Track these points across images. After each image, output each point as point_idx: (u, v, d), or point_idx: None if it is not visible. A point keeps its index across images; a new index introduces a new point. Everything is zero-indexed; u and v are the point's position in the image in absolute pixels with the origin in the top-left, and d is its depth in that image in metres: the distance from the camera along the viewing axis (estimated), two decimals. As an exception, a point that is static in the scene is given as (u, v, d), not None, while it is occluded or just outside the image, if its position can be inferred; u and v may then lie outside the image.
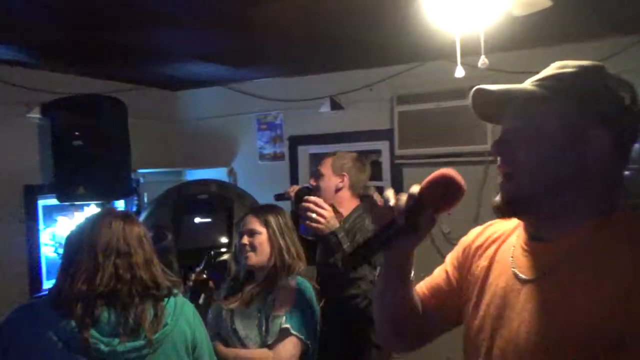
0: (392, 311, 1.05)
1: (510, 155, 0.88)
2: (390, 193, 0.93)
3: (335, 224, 1.83)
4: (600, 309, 0.75)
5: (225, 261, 2.21)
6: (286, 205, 2.47)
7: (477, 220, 3.17)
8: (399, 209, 0.89)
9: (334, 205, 2.04)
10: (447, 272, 1.07)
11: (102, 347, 1.30)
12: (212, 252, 2.13)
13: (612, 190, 0.86)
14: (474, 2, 1.47)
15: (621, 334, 0.73)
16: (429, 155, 3.22)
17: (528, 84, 0.89)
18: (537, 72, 0.91)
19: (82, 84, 3.29)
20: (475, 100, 0.92)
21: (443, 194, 0.90)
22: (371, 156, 3.68)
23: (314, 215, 1.79)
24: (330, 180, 2.10)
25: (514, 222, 0.98)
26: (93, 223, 1.43)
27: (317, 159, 3.89)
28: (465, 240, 1.07)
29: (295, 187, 2.32)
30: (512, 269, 0.90)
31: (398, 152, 3.37)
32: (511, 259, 0.92)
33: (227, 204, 3.21)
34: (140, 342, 1.33)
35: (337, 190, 2.09)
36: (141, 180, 3.70)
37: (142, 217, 3.33)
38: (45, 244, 3.21)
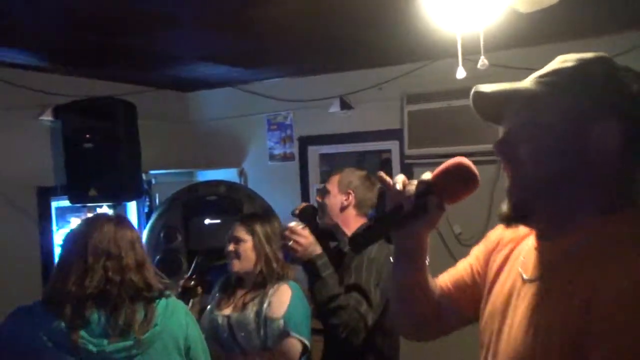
0: (405, 297, 1.05)
1: (511, 155, 0.85)
2: (399, 177, 0.94)
3: (314, 250, 1.80)
4: (569, 317, 0.73)
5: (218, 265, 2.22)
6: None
7: (488, 221, 3.16)
8: (408, 194, 0.89)
9: (338, 224, 2.02)
10: (471, 266, 1.06)
11: (91, 347, 1.33)
12: (199, 258, 2.14)
13: (622, 186, 0.81)
14: (477, 1, 1.44)
15: (582, 347, 0.70)
16: (440, 155, 3.19)
17: (528, 81, 0.87)
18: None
19: (95, 87, 3.32)
20: (476, 102, 0.90)
21: (456, 183, 0.89)
22: (383, 154, 3.67)
23: (289, 243, 1.81)
24: (336, 198, 2.04)
25: None
26: (87, 226, 1.47)
27: (327, 159, 3.89)
28: (490, 235, 1.05)
29: (303, 205, 2.29)
30: (519, 268, 0.89)
31: (408, 151, 3.35)
32: (522, 258, 0.90)
33: (236, 205, 3.23)
34: (129, 342, 1.35)
35: (343, 208, 2.03)
36: (153, 181, 3.73)
37: (152, 218, 3.37)
38: (59, 245, 3.25)
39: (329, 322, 1.78)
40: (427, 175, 0.90)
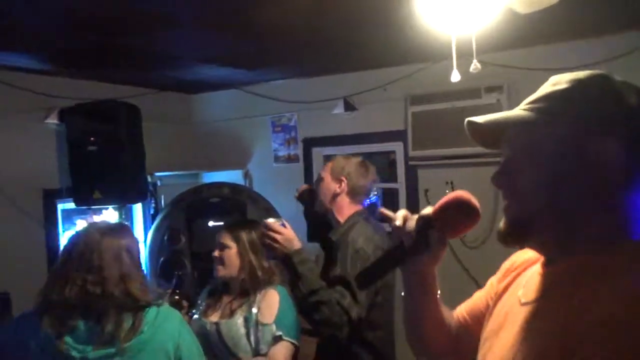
0: (419, 330, 1.04)
1: (508, 187, 0.83)
2: (400, 213, 0.93)
3: (292, 246, 1.79)
4: (546, 344, 0.71)
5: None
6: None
7: (493, 223, 3.13)
8: (408, 229, 0.90)
9: (333, 211, 2.01)
10: (486, 295, 1.04)
11: (75, 353, 1.34)
12: (181, 272, 2.16)
13: (625, 212, 0.76)
14: (472, 3, 1.42)
15: None
16: (444, 156, 3.16)
17: (520, 107, 0.83)
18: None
19: (100, 90, 3.34)
20: (471, 134, 0.88)
21: (457, 217, 0.88)
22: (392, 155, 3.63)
23: (267, 240, 1.81)
24: (329, 185, 2.03)
25: None
26: (77, 237, 1.49)
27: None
28: (505, 263, 1.03)
29: (303, 187, 2.28)
30: (519, 292, 0.87)
31: (412, 153, 3.32)
32: (524, 283, 0.89)
33: (240, 206, 3.23)
34: (111, 350, 1.36)
35: (335, 195, 2.01)
36: (159, 183, 3.75)
37: (156, 220, 3.38)
38: (65, 247, 3.28)
39: (312, 317, 1.77)
40: (428, 210, 0.90)
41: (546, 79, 0.86)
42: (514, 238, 0.83)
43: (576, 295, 0.72)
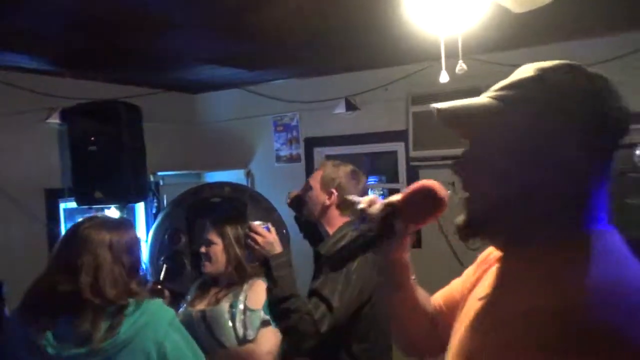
0: (396, 315, 1.05)
1: (467, 176, 0.81)
2: (366, 197, 0.95)
3: (272, 250, 1.75)
4: (484, 340, 0.72)
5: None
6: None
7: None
8: (372, 215, 0.91)
9: (321, 222, 1.95)
10: (462, 284, 1.04)
11: (50, 350, 1.36)
12: (169, 264, 2.17)
13: (585, 207, 0.74)
14: (460, 3, 1.41)
15: None
16: (444, 156, 3.14)
17: (485, 95, 0.81)
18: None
19: (103, 90, 3.35)
20: (440, 121, 0.84)
21: (421, 207, 0.88)
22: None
23: (248, 241, 1.78)
24: (318, 196, 1.94)
25: None
26: (65, 232, 1.51)
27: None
28: (481, 254, 1.02)
29: (293, 194, 2.22)
30: (480, 287, 0.87)
31: (413, 153, 3.31)
32: (484, 277, 0.89)
33: (240, 206, 3.22)
34: (83, 350, 1.35)
35: (325, 208, 1.93)
36: (161, 182, 3.77)
37: (158, 220, 3.39)
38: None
39: (280, 323, 1.75)
40: (396, 197, 0.89)
41: None
42: (472, 231, 0.81)
43: (520, 290, 0.72)
